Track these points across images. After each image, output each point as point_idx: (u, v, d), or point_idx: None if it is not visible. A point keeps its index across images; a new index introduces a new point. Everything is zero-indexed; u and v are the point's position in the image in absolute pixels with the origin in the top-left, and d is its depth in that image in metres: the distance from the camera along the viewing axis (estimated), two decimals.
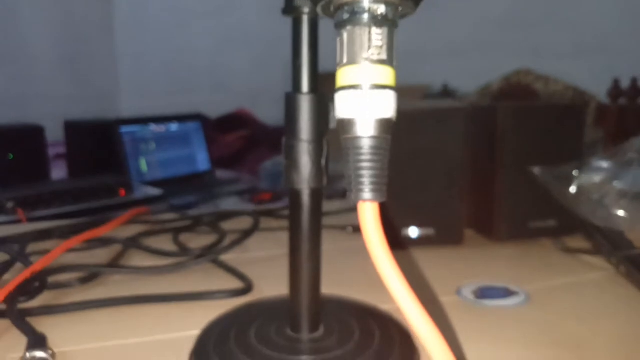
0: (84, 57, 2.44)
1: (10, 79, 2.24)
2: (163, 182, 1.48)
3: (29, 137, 1.57)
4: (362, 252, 0.50)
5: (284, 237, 0.55)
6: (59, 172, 1.68)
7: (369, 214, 0.19)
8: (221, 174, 1.74)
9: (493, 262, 0.48)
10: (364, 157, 0.18)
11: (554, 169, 0.47)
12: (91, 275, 0.43)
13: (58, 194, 1.15)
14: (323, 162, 0.27)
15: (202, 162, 1.66)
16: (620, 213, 0.42)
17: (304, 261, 0.28)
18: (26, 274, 0.40)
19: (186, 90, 2.42)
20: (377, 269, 0.19)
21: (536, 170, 0.47)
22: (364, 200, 0.19)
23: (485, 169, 0.51)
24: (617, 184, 0.44)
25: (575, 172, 0.46)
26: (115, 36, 2.52)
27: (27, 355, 0.28)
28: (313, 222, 0.28)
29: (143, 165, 1.50)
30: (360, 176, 0.19)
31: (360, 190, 0.19)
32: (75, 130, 1.68)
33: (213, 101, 2.31)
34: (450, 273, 0.45)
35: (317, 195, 0.28)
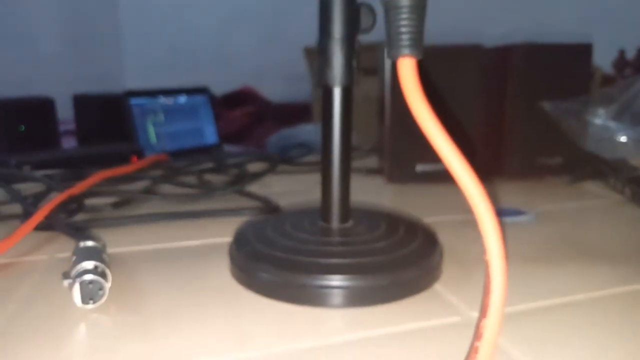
0: (88, 38, 2.45)
1: (16, 61, 2.25)
2: (171, 154, 1.50)
3: (39, 109, 1.59)
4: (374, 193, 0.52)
5: (301, 177, 0.58)
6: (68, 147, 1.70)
7: (407, 69, 0.21)
8: (228, 148, 1.76)
9: (502, 192, 0.50)
10: (402, 16, 0.21)
11: (563, 102, 0.49)
12: (124, 200, 0.46)
13: (72, 159, 1.18)
14: (354, 63, 0.30)
15: (210, 135, 1.68)
16: (623, 139, 0.44)
17: (336, 154, 0.30)
18: (64, 195, 0.43)
19: (191, 68, 2.43)
20: (417, 121, 0.21)
21: (546, 104, 0.49)
22: (403, 56, 0.21)
23: (496, 108, 0.54)
24: (622, 115, 0.46)
25: (583, 105, 0.48)
26: (120, 16, 2.52)
27: (80, 244, 0.30)
28: (344, 118, 0.30)
29: (152, 136, 1.52)
30: (399, 33, 0.21)
31: (399, 47, 0.21)
32: (84, 103, 1.70)
33: (218, 80, 2.32)
34: (461, 199, 0.47)
35: (348, 93, 0.30)
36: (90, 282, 0.26)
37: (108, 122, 1.66)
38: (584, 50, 0.52)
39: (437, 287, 0.29)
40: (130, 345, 0.23)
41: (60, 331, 0.25)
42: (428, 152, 0.52)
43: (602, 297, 0.28)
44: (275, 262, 0.28)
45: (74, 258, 0.29)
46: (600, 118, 0.45)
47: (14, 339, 0.24)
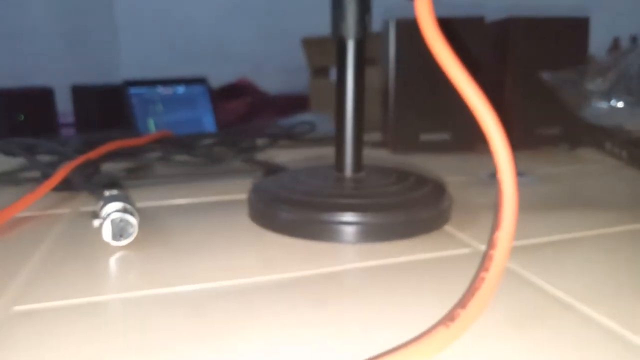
0: (84, 31, 2.45)
1: (12, 54, 2.25)
2: None
3: (38, 99, 1.59)
4: None
5: (304, 151, 0.60)
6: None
7: (423, 5, 0.22)
8: None
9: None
10: None
11: (562, 72, 0.50)
12: (139, 167, 0.47)
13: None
14: (367, 17, 0.31)
15: (209, 125, 1.69)
16: (620, 105, 0.46)
17: (349, 104, 0.32)
18: (82, 158, 0.44)
19: (187, 60, 2.43)
20: (434, 53, 0.23)
21: (545, 75, 0.51)
22: None
23: (496, 80, 0.55)
24: (618, 83, 0.47)
25: (580, 75, 0.49)
26: (115, 9, 2.52)
27: (106, 193, 0.32)
28: (357, 69, 0.32)
29: (151, 126, 1.53)
30: None
31: None
32: (82, 94, 1.70)
33: (214, 72, 2.33)
34: (465, 165, 0.49)
35: (361, 45, 0.32)
36: (121, 219, 0.28)
37: (106, 112, 1.67)
38: (581, 24, 0.54)
39: (447, 228, 0.31)
40: (159, 273, 0.25)
41: (93, 265, 0.26)
42: (431, 122, 0.54)
43: (600, 234, 0.30)
44: (293, 202, 0.30)
45: (101, 203, 0.30)
46: (597, 86, 0.47)
47: (49, 273, 0.26)
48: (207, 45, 2.49)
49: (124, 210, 0.28)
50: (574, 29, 0.54)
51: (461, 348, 0.18)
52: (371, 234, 0.28)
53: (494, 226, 0.21)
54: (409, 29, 0.51)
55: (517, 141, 0.56)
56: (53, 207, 0.37)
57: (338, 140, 0.33)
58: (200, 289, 0.23)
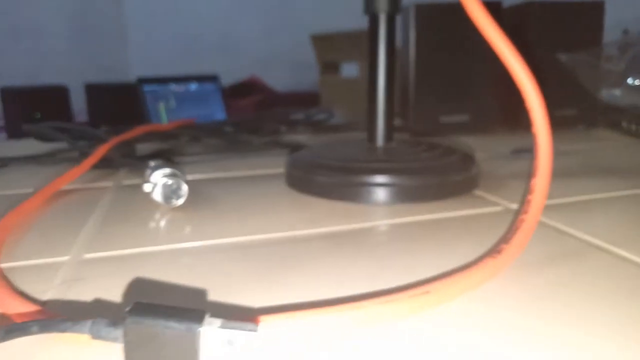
0: (93, 30, 2.48)
1: (23, 53, 2.28)
2: None
3: (54, 96, 1.61)
4: None
5: (325, 137, 0.61)
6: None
7: None
8: None
9: (520, 139, 0.53)
10: None
11: (578, 54, 0.52)
12: (170, 149, 0.49)
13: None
14: None
15: None
16: (638, 82, 0.48)
17: (381, 76, 0.33)
18: (118, 139, 0.46)
19: (196, 58, 2.45)
20: (478, 26, 0.24)
21: (562, 56, 0.52)
22: None
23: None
24: (636, 62, 0.49)
25: (597, 56, 0.51)
26: (125, 7, 2.55)
27: (152, 163, 0.34)
28: (388, 43, 0.33)
29: (164, 122, 1.55)
30: None
31: None
32: (96, 92, 1.73)
33: (223, 70, 2.35)
34: (486, 144, 0.50)
35: (392, 20, 0.33)
36: (173, 182, 0.30)
37: (120, 110, 1.69)
38: (596, 8, 0.56)
39: (476, 192, 0.33)
40: (210, 228, 0.27)
41: (148, 223, 0.28)
42: (450, 104, 0.56)
43: (621, 196, 0.31)
44: (329, 167, 0.31)
45: (148, 171, 0.32)
46: (614, 65, 0.49)
47: (109, 229, 0.27)
48: (215, 43, 2.51)
49: (174, 175, 0.30)
50: (590, 13, 0.55)
51: (503, 280, 0.19)
52: (405, 195, 0.30)
53: (531, 175, 0.23)
54: (429, 13, 0.53)
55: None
56: (96, 181, 0.39)
57: (370, 111, 0.34)
58: (250, 240, 0.25)
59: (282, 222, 0.27)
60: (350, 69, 1.73)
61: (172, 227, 0.27)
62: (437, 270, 0.21)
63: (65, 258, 0.23)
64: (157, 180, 0.30)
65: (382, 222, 0.27)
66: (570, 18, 0.55)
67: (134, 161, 0.39)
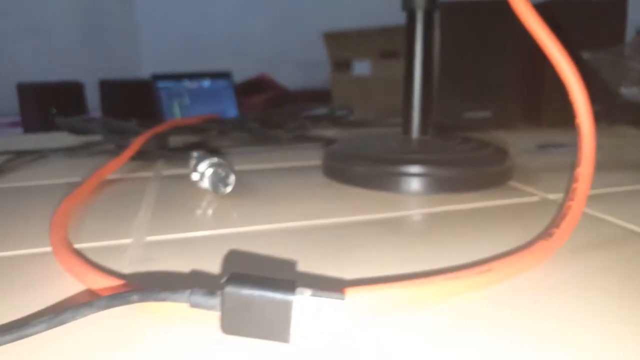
0: (104, 29, 2.50)
1: (34, 51, 2.30)
2: None
3: (69, 92, 1.63)
4: None
5: (346, 132, 0.62)
6: None
7: None
8: None
9: (544, 135, 0.54)
10: None
11: (601, 52, 0.53)
12: (201, 142, 0.50)
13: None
14: None
15: None
16: None
17: (418, 70, 0.34)
18: (151, 132, 0.47)
19: (206, 56, 2.46)
20: (523, 21, 0.25)
21: (585, 54, 0.53)
22: None
23: (536, 60, 0.58)
24: None
25: (619, 54, 0.52)
26: (135, 6, 2.56)
27: (194, 153, 0.35)
28: (425, 38, 0.34)
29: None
30: None
31: None
32: (110, 89, 1.74)
33: (234, 68, 2.37)
34: (511, 139, 0.51)
35: (429, 16, 0.34)
36: (221, 170, 0.31)
37: (134, 106, 1.71)
38: (619, 6, 0.56)
39: (511, 183, 0.33)
40: (256, 215, 0.28)
41: (196, 209, 0.29)
42: (474, 100, 0.57)
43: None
44: (368, 158, 0.32)
45: (193, 161, 0.33)
46: (636, 64, 0.49)
47: (163, 215, 0.29)
48: (225, 41, 2.52)
49: (222, 164, 0.31)
50: (612, 11, 0.56)
51: (550, 264, 0.21)
52: (443, 185, 0.31)
53: (575, 165, 0.24)
54: (453, 11, 0.54)
55: (557, 119, 0.58)
56: (135, 171, 0.40)
57: (406, 104, 0.35)
58: (303, 225, 0.26)
59: (329, 209, 0.28)
60: (362, 67, 1.73)
61: (223, 213, 0.28)
62: (489, 252, 0.22)
63: (129, 240, 0.24)
64: (206, 169, 0.31)
65: (425, 210, 0.28)
66: (592, 16, 0.56)
67: (171, 153, 0.41)
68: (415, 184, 0.31)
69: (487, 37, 0.55)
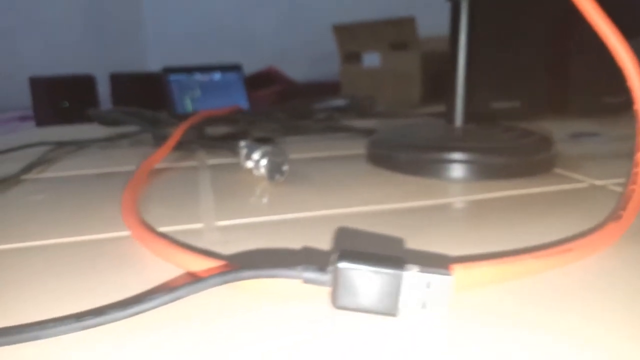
0: (110, 23, 2.50)
1: (40, 46, 2.30)
2: None
3: (81, 86, 1.64)
4: None
5: (372, 122, 0.63)
6: None
7: None
8: None
9: (572, 124, 0.55)
10: None
11: (630, 40, 0.53)
12: (237, 132, 0.51)
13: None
14: None
15: None
16: None
17: (462, 60, 0.35)
18: (188, 123, 0.48)
19: (213, 50, 2.46)
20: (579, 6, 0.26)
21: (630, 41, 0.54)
22: None
23: (562, 49, 0.58)
24: None
25: None
26: (141, 1, 2.56)
27: (242, 143, 0.35)
28: (469, 28, 0.35)
29: (190, 111, 1.58)
30: None
31: None
32: (120, 82, 1.75)
33: (241, 61, 2.36)
34: (542, 129, 0.52)
35: (472, 7, 0.35)
36: (276, 159, 0.31)
37: (145, 99, 1.71)
38: None
39: (556, 170, 0.34)
40: (316, 201, 0.29)
41: (257, 197, 0.30)
42: (502, 90, 0.57)
43: None
44: (414, 145, 0.33)
45: (244, 151, 0.34)
46: None
47: (225, 201, 0.29)
48: (233, 33, 2.52)
49: (278, 152, 0.32)
50: None
51: (621, 242, 0.21)
52: (490, 172, 0.32)
53: (634, 150, 0.24)
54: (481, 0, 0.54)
55: (583, 108, 0.59)
56: (179, 161, 0.41)
57: (450, 93, 0.36)
58: (357, 211, 0.27)
59: (386, 195, 0.29)
60: (372, 59, 1.73)
61: (284, 199, 0.29)
62: (555, 235, 0.22)
63: (199, 225, 0.25)
64: (262, 157, 0.32)
65: (479, 196, 0.29)
66: (621, 4, 0.57)
67: (220, 142, 0.41)
68: (464, 171, 0.32)
69: (516, 26, 0.55)
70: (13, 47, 2.24)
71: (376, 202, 0.28)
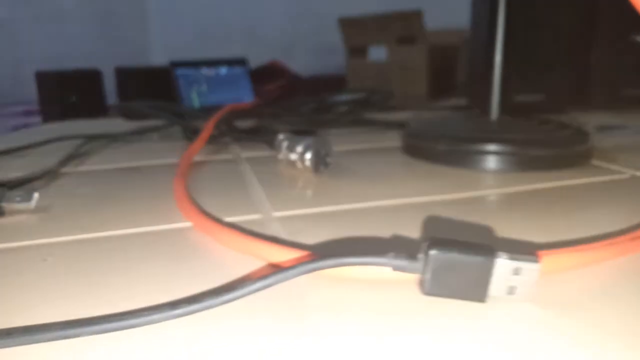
0: (115, 16, 2.49)
1: (46, 39, 2.29)
2: None
3: (88, 80, 1.63)
4: None
5: (385, 115, 0.63)
6: None
7: None
8: None
9: (595, 118, 0.55)
10: None
11: None
12: (260, 126, 0.51)
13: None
14: None
15: None
16: None
17: (498, 55, 0.35)
18: (218, 116, 0.48)
19: (218, 43, 2.46)
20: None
21: (638, 37, 0.54)
22: None
23: (583, 42, 0.58)
24: None
25: None
26: None
27: (280, 135, 0.36)
28: (507, 22, 0.35)
29: (197, 105, 1.58)
30: None
31: None
32: (126, 76, 1.74)
33: (245, 54, 2.35)
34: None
35: (510, 1, 0.35)
36: (321, 151, 0.32)
37: (151, 94, 1.71)
38: None
39: (594, 162, 0.35)
40: (364, 191, 0.29)
41: (304, 188, 0.30)
42: (525, 83, 0.57)
43: None
44: (452, 136, 0.34)
45: (285, 143, 0.34)
46: None
47: (273, 193, 0.30)
48: (237, 27, 2.51)
49: (321, 144, 0.32)
50: None
51: None
52: (531, 163, 0.32)
53: None
54: None
55: (603, 100, 0.59)
56: (213, 154, 0.41)
57: (486, 85, 0.36)
58: (412, 202, 0.27)
59: (434, 186, 0.30)
60: (378, 53, 1.74)
61: (332, 190, 0.29)
62: (612, 224, 0.23)
63: (257, 216, 0.25)
64: (306, 149, 0.32)
65: (526, 187, 0.29)
66: None
67: (251, 136, 0.42)
68: (505, 162, 0.32)
69: (540, 19, 0.55)
70: (15, 40, 2.23)
71: (427, 192, 0.28)
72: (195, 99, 1.67)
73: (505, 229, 0.23)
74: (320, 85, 2.13)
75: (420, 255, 0.16)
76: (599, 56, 0.58)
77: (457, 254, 0.16)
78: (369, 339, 0.15)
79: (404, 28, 1.65)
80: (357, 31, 1.81)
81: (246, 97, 1.79)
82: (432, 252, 0.16)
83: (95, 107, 1.61)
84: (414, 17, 1.59)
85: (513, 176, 0.32)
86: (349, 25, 1.80)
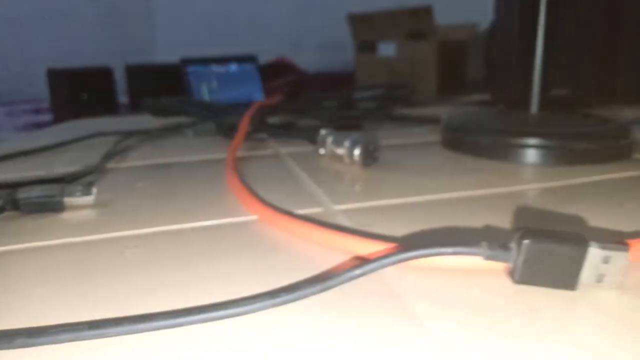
0: (121, 13, 2.49)
1: (52, 37, 2.30)
2: None
3: (99, 78, 1.64)
4: None
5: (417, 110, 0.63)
6: None
7: None
8: None
9: (622, 112, 0.55)
10: None
11: None
12: (289, 122, 0.52)
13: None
14: None
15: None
16: None
17: (539, 49, 0.36)
18: (251, 113, 0.48)
19: (225, 40, 2.46)
20: None
21: None
22: None
23: (610, 38, 0.59)
24: None
25: None
26: None
27: (322, 131, 0.36)
28: (548, 17, 0.36)
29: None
30: None
31: None
32: (136, 73, 1.75)
33: (253, 51, 2.35)
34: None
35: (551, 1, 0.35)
36: (370, 146, 0.32)
37: (161, 90, 1.71)
38: None
39: (636, 156, 0.35)
40: (415, 185, 0.29)
41: (354, 182, 0.31)
42: (551, 79, 0.58)
43: None
44: (496, 130, 0.34)
45: (330, 138, 0.35)
46: None
47: (325, 188, 0.30)
48: (244, 24, 2.51)
49: (369, 139, 0.33)
50: None
51: None
52: (575, 157, 0.33)
53: None
54: None
55: (630, 96, 0.59)
56: (253, 150, 0.42)
57: (526, 80, 0.37)
58: (467, 195, 0.28)
59: (482, 180, 0.30)
60: (387, 48, 1.74)
61: (385, 184, 0.30)
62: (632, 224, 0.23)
63: (319, 209, 0.26)
64: (354, 144, 0.32)
65: (576, 180, 0.30)
66: None
67: (293, 132, 0.42)
68: (550, 156, 0.33)
69: (565, 14, 0.56)
70: (23, 38, 2.24)
71: (480, 186, 0.29)
72: (205, 96, 1.68)
73: (592, 219, 0.23)
74: (327, 81, 2.13)
75: (512, 245, 0.16)
76: (625, 51, 0.58)
77: (550, 244, 0.16)
78: (473, 327, 0.15)
79: (413, 24, 1.65)
80: (366, 27, 1.81)
81: (256, 93, 1.80)
82: (526, 242, 0.16)
83: (106, 104, 1.62)
84: (423, 13, 1.59)
85: (558, 170, 0.32)
86: (358, 20, 1.80)
